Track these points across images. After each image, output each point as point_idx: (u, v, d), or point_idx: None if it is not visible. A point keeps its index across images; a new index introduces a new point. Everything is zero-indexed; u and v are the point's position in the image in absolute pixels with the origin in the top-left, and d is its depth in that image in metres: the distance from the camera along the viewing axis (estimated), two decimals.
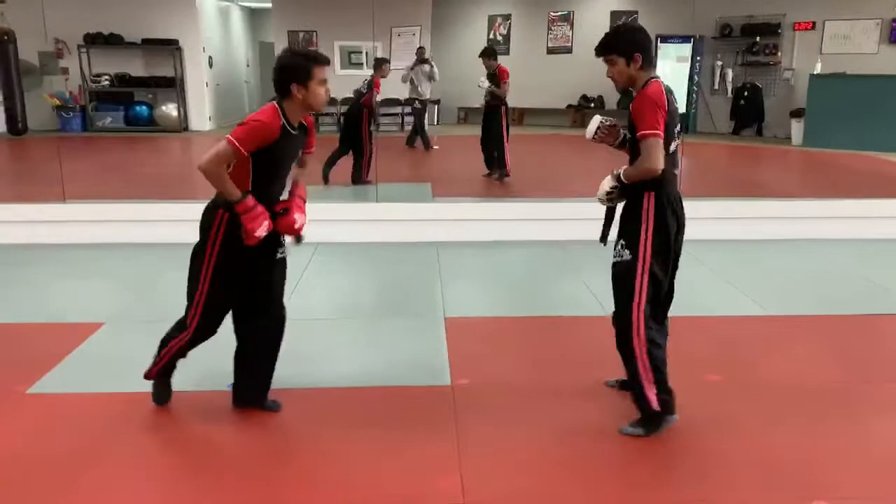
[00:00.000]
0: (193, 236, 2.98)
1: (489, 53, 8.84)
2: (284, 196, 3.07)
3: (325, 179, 8.16)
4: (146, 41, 13.74)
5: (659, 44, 14.02)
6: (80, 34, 13.39)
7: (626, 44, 2.88)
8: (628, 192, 2.97)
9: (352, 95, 8.82)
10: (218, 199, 2.90)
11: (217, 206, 2.89)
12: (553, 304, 4.71)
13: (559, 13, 14.71)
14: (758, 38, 13.69)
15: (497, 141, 8.64)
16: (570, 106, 14.66)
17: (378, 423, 3.14)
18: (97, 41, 13.56)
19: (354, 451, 2.91)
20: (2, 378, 3.52)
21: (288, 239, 3.10)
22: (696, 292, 4.63)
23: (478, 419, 3.16)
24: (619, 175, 2.96)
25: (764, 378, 3.59)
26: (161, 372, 3.16)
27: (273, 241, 2.98)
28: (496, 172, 8.75)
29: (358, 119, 8.49)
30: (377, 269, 5.52)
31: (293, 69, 2.83)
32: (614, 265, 2.99)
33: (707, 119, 14.34)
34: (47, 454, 2.87)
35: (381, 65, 9.05)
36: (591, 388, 3.45)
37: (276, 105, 2.86)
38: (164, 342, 3.09)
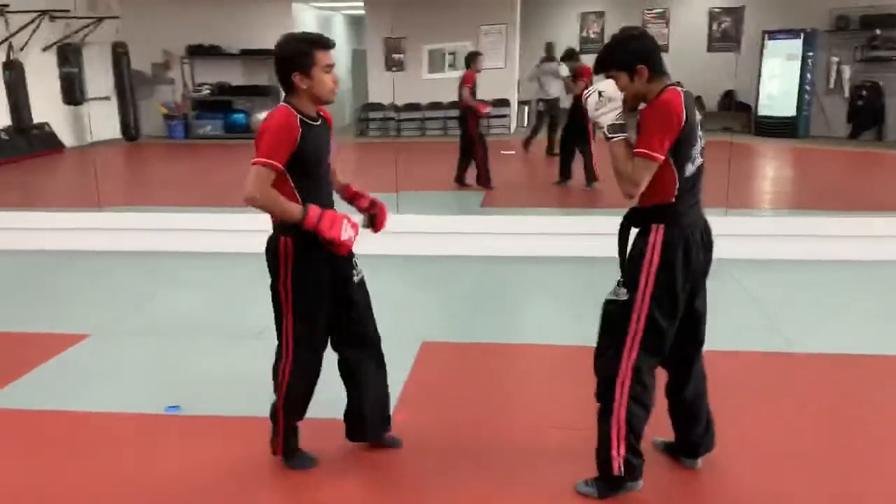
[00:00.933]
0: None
1: (569, 56, 8.59)
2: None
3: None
4: (244, 52, 14.27)
5: (766, 40, 13.05)
6: (184, 46, 14.14)
7: (625, 55, 2.47)
8: (638, 220, 2.59)
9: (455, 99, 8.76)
10: (276, 229, 2.66)
11: (277, 237, 2.64)
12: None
13: (655, 11, 13.99)
14: (878, 31, 12.37)
15: (584, 145, 8.25)
16: None
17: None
18: (199, 52, 14.24)
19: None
20: None
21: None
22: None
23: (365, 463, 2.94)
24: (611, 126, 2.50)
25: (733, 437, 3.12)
26: (286, 440, 2.86)
27: (346, 265, 2.75)
28: (570, 181, 8.48)
29: (462, 120, 8.47)
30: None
31: (292, 57, 2.54)
32: (607, 303, 2.61)
33: (821, 122, 13.15)
34: None
35: (473, 59, 8.65)
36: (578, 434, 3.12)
37: (285, 103, 2.60)
38: (275, 393, 2.81)
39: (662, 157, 2.42)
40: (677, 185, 2.48)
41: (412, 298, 5.05)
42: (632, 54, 2.46)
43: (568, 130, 8.60)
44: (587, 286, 3.97)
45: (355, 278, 2.80)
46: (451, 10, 13.17)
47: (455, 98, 8.71)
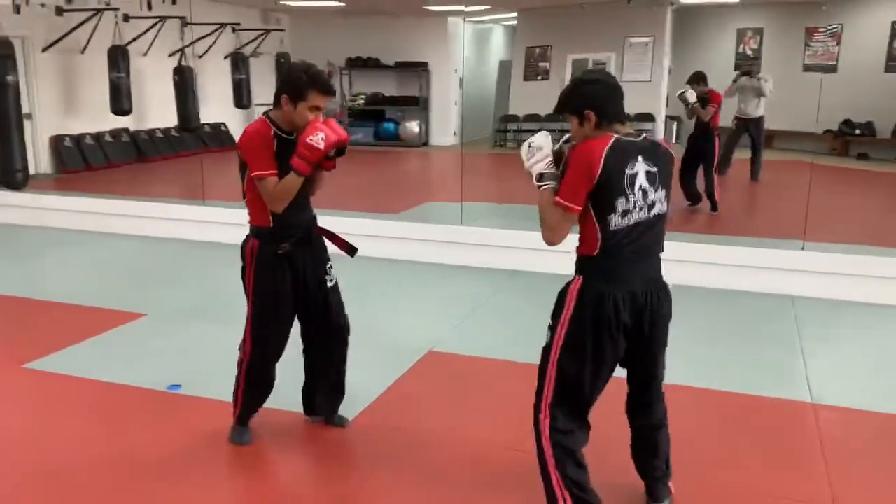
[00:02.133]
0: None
1: (697, 80, 8.07)
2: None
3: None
4: (399, 64, 14.87)
5: None
6: (344, 58, 15.01)
7: (576, 99, 2.41)
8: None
9: None
10: (250, 232, 2.93)
11: (248, 239, 2.92)
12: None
13: (826, 27, 12.81)
14: None
15: (707, 169, 7.89)
16: (827, 131, 12.67)
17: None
18: (357, 64, 15.04)
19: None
20: (11, 349, 4.13)
21: (340, 252, 3.07)
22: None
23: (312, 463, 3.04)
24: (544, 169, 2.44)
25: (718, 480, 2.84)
26: (241, 413, 3.12)
27: (316, 271, 2.99)
28: (699, 203, 8.09)
29: None
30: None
31: (290, 83, 2.73)
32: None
33: None
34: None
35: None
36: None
37: (264, 116, 2.82)
38: (237, 370, 3.08)
39: (577, 207, 2.33)
40: (599, 238, 2.36)
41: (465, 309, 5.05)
42: (581, 99, 2.39)
43: (690, 156, 8.13)
44: None
45: (328, 284, 3.04)
46: (598, 21, 12.89)
47: None
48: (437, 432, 3.25)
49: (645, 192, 2.34)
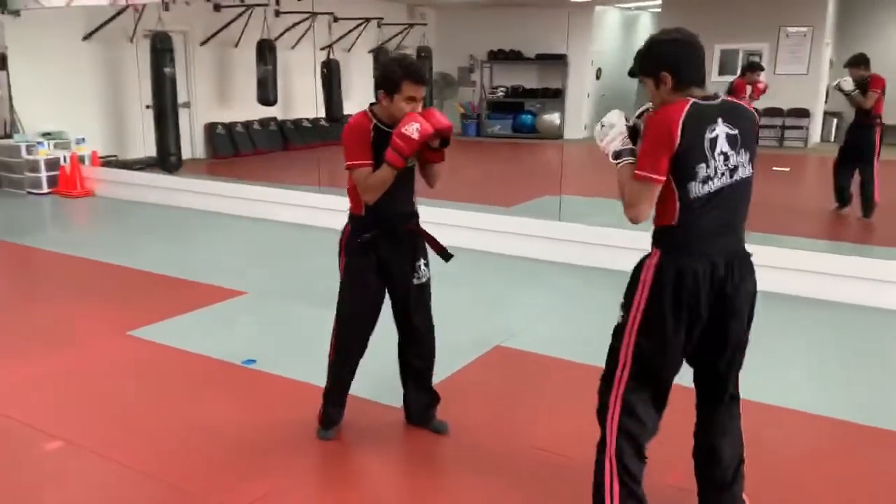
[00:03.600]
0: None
1: (857, 62, 7.26)
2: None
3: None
4: (539, 56, 14.75)
5: None
6: (486, 51, 15.09)
7: (650, 60, 2.27)
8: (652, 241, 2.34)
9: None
10: (348, 217, 2.96)
11: (345, 226, 2.97)
12: None
13: None
14: None
15: (866, 166, 7.18)
16: None
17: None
18: (499, 57, 15.08)
19: None
20: (115, 319, 4.53)
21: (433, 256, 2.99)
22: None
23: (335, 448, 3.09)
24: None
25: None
26: (325, 410, 3.12)
27: (403, 267, 2.94)
28: (847, 206, 7.44)
29: None
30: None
31: (385, 77, 2.74)
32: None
33: None
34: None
35: (752, 69, 7.82)
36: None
37: (368, 109, 2.85)
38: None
39: (660, 177, 2.19)
40: (678, 207, 2.21)
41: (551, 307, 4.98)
42: (655, 59, 2.26)
43: (845, 152, 7.44)
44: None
45: (416, 281, 2.97)
46: (750, 8, 12.11)
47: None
48: (472, 427, 3.20)
49: (726, 157, 2.19)
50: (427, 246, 2.99)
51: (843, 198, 7.48)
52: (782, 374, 3.79)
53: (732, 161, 2.20)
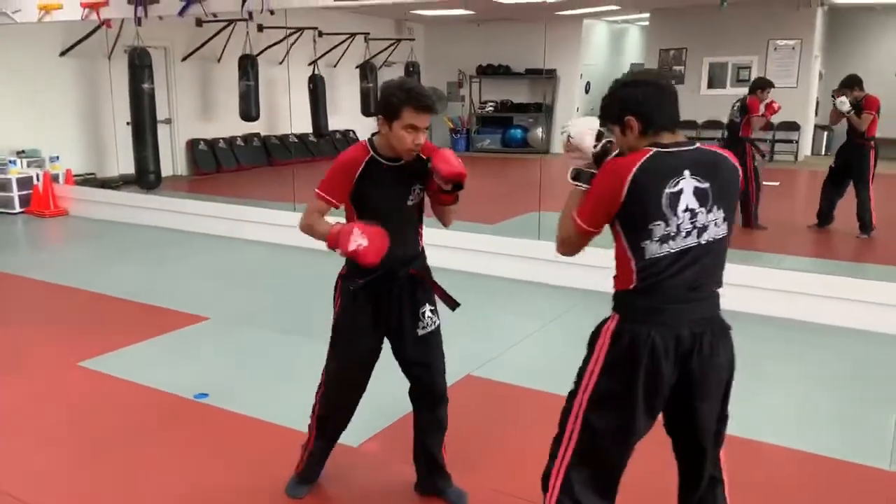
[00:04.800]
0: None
1: (850, 84, 7.12)
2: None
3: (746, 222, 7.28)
4: (529, 71, 14.62)
5: None
6: (475, 66, 14.96)
7: (614, 105, 2.04)
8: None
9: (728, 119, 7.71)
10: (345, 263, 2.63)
11: (340, 274, 2.65)
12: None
13: None
14: None
15: (862, 188, 7.04)
16: None
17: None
18: (487, 72, 14.95)
19: None
20: (68, 347, 4.31)
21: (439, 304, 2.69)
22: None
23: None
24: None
25: None
26: (305, 468, 2.82)
27: (402, 314, 2.58)
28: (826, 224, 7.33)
29: (737, 154, 7.43)
30: None
31: (384, 101, 2.42)
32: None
33: None
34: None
35: (762, 86, 7.51)
36: None
37: (367, 140, 2.54)
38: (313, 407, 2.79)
39: (592, 230, 2.02)
40: (635, 270, 1.98)
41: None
42: (620, 104, 2.02)
43: (836, 172, 7.30)
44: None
45: (420, 331, 2.60)
46: (739, 22, 11.98)
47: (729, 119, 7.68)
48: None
49: (693, 214, 1.93)
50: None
51: (824, 221, 7.36)
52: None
53: (701, 219, 1.94)
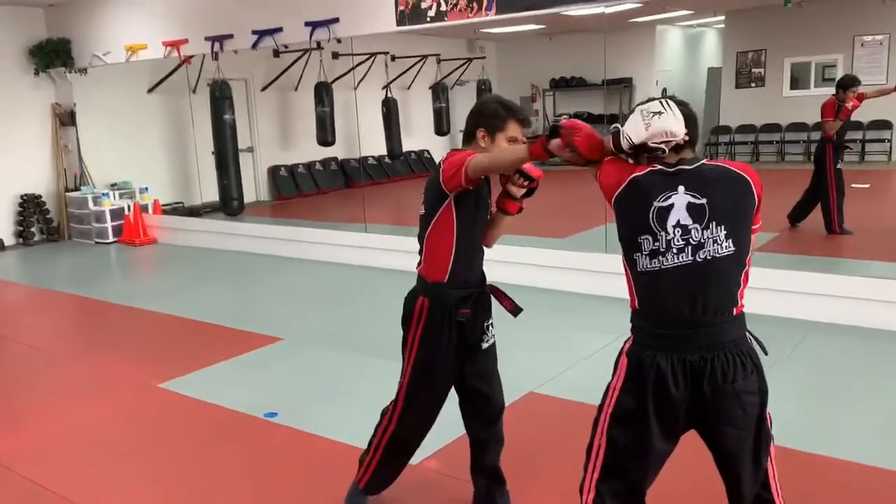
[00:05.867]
0: None
1: (845, 84, 6.98)
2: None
3: (792, 222, 7.33)
4: (603, 81, 14.44)
5: None
6: (548, 80, 14.94)
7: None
8: None
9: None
10: (418, 286, 2.63)
11: (417, 294, 2.61)
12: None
13: None
14: None
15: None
16: None
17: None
18: (560, 84, 14.88)
19: None
20: (149, 369, 4.52)
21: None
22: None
23: None
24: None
25: None
26: (370, 481, 2.81)
27: (474, 330, 2.63)
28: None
29: (820, 154, 7.19)
30: None
31: (487, 115, 2.52)
32: None
33: None
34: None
35: (843, 87, 7.08)
36: None
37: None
38: (374, 432, 2.78)
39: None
40: (634, 285, 1.99)
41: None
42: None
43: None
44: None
45: (484, 344, 2.68)
46: (820, 18, 11.47)
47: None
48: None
49: (686, 230, 1.89)
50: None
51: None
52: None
53: (696, 236, 1.89)
